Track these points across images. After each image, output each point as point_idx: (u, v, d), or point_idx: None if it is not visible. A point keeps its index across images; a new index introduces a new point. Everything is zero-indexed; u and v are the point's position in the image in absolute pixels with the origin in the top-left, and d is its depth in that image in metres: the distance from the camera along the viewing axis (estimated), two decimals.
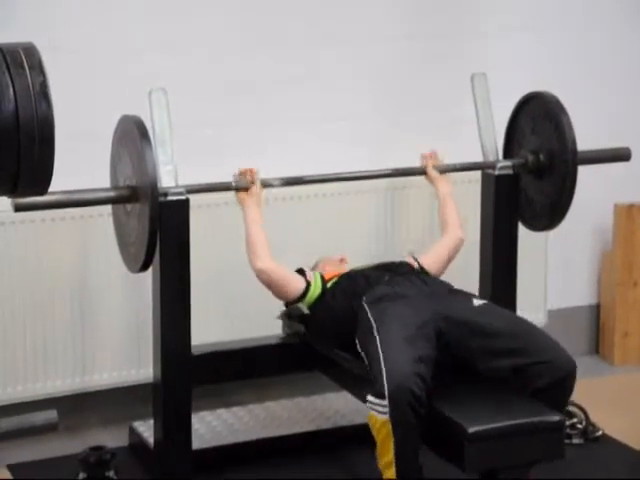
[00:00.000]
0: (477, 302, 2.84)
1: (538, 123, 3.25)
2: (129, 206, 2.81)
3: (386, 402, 2.53)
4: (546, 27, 3.86)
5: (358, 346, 2.79)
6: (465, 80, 3.40)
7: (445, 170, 3.28)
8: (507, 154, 3.37)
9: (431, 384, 2.58)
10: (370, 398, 2.58)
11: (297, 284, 3.00)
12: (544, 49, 3.86)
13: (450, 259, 3.18)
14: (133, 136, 2.73)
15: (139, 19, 3.30)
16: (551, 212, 3.25)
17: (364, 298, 2.85)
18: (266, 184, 3.03)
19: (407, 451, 2.56)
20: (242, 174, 3.01)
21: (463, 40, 3.74)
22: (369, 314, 2.78)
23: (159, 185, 2.77)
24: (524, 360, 2.67)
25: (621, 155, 3.42)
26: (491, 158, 3.34)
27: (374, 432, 2.59)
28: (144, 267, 2.79)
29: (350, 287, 2.96)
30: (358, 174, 3.28)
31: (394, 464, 2.56)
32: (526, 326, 2.79)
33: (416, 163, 3.32)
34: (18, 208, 2.70)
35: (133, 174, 2.76)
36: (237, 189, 3.00)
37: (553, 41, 3.88)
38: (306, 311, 3.01)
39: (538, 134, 3.25)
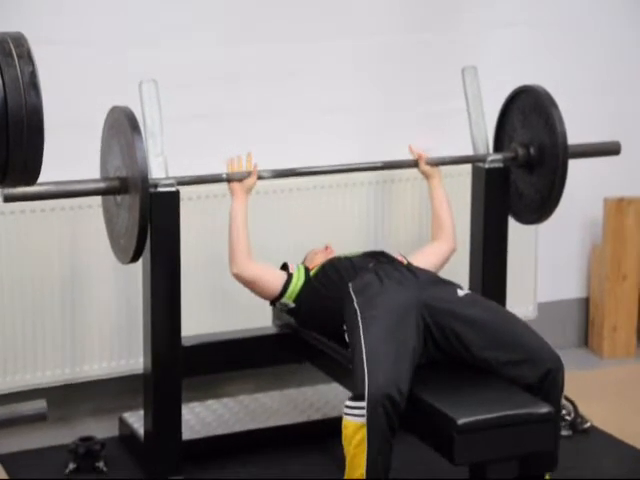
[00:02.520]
0: (462, 292, 2.84)
1: (529, 117, 3.25)
2: (119, 197, 2.81)
3: (364, 404, 2.51)
4: (539, 21, 3.86)
5: (346, 334, 2.79)
6: (456, 73, 3.40)
7: (436, 163, 3.28)
8: (498, 147, 3.38)
9: (412, 379, 2.58)
10: (348, 403, 2.56)
11: (275, 281, 2.98)
12: (537, 43, 3.86)
13: (439, 267, 3.16)
14: (123, 127, 2.73)
15: (129, 10, 3.29)
16: (541, 206, 3.26)
17: (350, 285, 2.84)
18: (257, 176, 3.03)
19: (378, 462, 2.52)
20: (237, 161, 2.98)
21: (454, 33, 3.74)
22: (355, 302, 2.77)
23: (149, 176, 2.77)
24: (506, 355, 2.67)
25: (611, 149, 3.43)
26: (481, 151, 3.34)
27: (346, 443, 2.55)
28: (134, 258, 2.79)
29: (335, 273, 2.95)
30: (349, 166, 3.28)
31: (364, 476, 2.52)
32: (509, 319, 2.77)
33: (407, 156, 3.32)
34: (7, 199, 2.70)
35: (123, 165, 2.76)
36: (229, 180, 2.99)
37: (546, 35, 3.88)
38: (292, 305, 3.01)
39: (529, 128, 3.26)
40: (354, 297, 2.79)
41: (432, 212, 3.27)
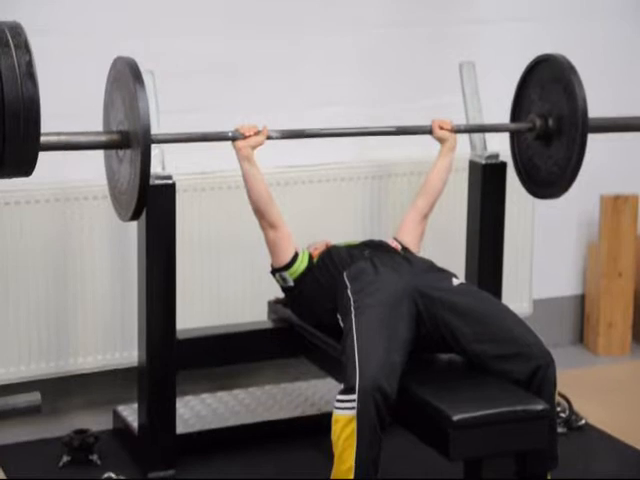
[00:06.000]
0: (456, 281, 2.83)
1: (547, 87, 3.16)
2: (121, 152, 2.67)
3: (355, 397, 2.50)
4: (539, 15, 3.86)
5: (340, 321, 2.79)
6: (453, 67, 3.39)
7: (452, 130, 3.19)
8: (515, 119, 3.29)
9: (404, 371, 2.58)
10: (339, 397, 2.55)
11: (288, 248, 2.98)
12: (536, 37, 3.86)
13: (422, 231, 3.13)
14: (126, 78, 2.58)
15: (127, 0, 3.28)
16: (559, 178, 3.16)
17: (345, 273, 2.84)
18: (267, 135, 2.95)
19: (368, 456, 2.51)
20: (246, 125, 2.92)
21: (453, 27, 3.73)
22: (348, 289, 2.77)
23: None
24: (495, 349, 2.66)
25: (634, 125, 3.32)
26: (478, 147, 3.34)
27: (335, 438, 2.54)
28: (135, 215, 2.62)
29: (332, 262, 2.95)
30: (361, 130, 3.21)
31: (352, 471, 2.51)
32: (501, 312, 2.75)
33: (402, 149, 3.29)
34: None
35: (125, 118, 2.61)
36: (234, 139, 2.89)
37: (546, 29, 3.88)
38: (291, 283, 3.00)
39: (547, 98, 3.16)
40: (348, 284, 2.79)
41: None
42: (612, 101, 3.99)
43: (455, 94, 3.39)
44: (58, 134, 2.57)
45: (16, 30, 1.60)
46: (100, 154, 2.81)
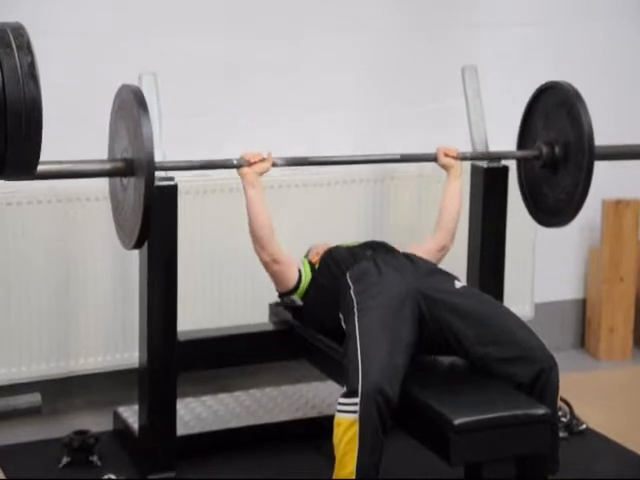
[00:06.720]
0: (459, 284, 2.83)
1: (554, 115, 3.16)
2: (125, 180, 2.70)
3: (357, 400, 2.50)
4: (541, 20, 3.85)
5: (342, 321, 2.78)
6: (454, 70, 3.39)
7: (456, 158, 3.18)
8: (521, 146, 3.29)
9: (407, 375, 2.57)
10: (341, 400, 2.55)
11: (294, 273, 2.96)
12: (538, 42, 3.86)
13: (444, 246, 3.11)
14: (131, 106, 2.61)
15: (129, 2, 3.28)
16: (565, 207, 3.15)
17: (348, 273, 2.84)
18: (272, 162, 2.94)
19: (370, 460, 2.51)
20: (251, 152, 2.91)
21: (455, 31, 3.73)
22: (351, 290, 2.76)
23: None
24: (498, 352, 2.65)
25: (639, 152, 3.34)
26: (480, 150, 3.33)
27: (337, 442, 2.53)
28: (138, 243, 2.65)
29: (335, 261, 2.95)
30: (364, 158, 3.24)
31: (354, 475, 2.50)
32: (504, 315, 2.75)
33: (403, 150, 3.28)
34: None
35: (130, 146, 2.65)
36: (239, 166, 2.89)
37: (548, 34, 3.88)
38: (299, 303, 3.00)
39: (553, 126, 3.16)
40: (351, 285, 2.78)
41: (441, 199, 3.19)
42: (612, 102, 4.00)
43: (456, 97, 3.39)
44: (60, 162, 2.60)
45: (18, 31, 1.59)
46: (102, 155, 2.81)
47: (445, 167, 3.17)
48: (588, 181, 3.06)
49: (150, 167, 2.54)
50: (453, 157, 3.15)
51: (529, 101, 3.25)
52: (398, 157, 3.18)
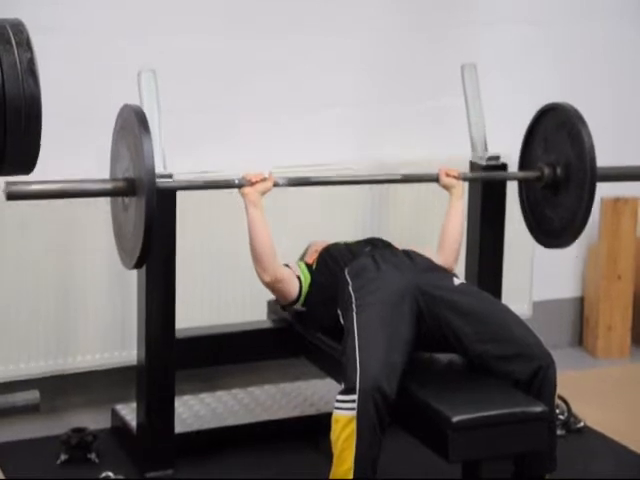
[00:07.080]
0: (457, 281, 2.83)
1: (556, 136, 3.14)
2: (127, 200, 2.69)
3: (355, 397, 2.50)
4: (540, 18, 3.85)
5: (340, 317, 2.78)
6: (454, 69, 3.39)
7: (457, 177, 3.15)
8: (523, 167, 3.28)
9: (405, 372, 2.57)
10: (339, 397, 2.55)
11: (294, 289, 2.95)
12: (537, 40, 3.86)
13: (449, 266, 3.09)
14: (132, 126, 2.61)
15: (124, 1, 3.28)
16: (566, 227, 3.13)
17: (346, 269, 2.83)
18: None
19: (367, 457, 2.51)
20: (252, 172, 2.89)
21: (454, 30, 3.73)
22: (350, 286, 2.76)
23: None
24: (497, 349, 2.65)
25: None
26: (479, 150, 3.33)
27: (334, 438, 2.53)
28: (139, 263, 2.62)
29: (333, 257, 2.95)
30: (366, 178, 3.26)
31: (352, 472, 2.50)
32: (502, 312, 2.75)
33: (402, 153, 3.29)
34: (10, 197, 2.54)
35: (131, 166, 2.64)
36: (241, 186, 2.87)
37: (546, 31, 3.88)
38: (302, 309, 3.00)
39: (555, 147, 3.15)
40: (349, 281, 2.78)
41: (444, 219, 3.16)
42: (612, 102, 4.00)
43: (456, 96, 3.39)
44: (63, 182, 2.61)
45: (18, 27, 1.60)
46: (101, 153, 2.81)
47: (446, 187, 3.14)
48: (590, 202, 3.04)
49: (151, 186, 2.52)
50: (455, 177, 3.13)
51: (530, 122, 3.22)
52: (399, 177, 3.18)
